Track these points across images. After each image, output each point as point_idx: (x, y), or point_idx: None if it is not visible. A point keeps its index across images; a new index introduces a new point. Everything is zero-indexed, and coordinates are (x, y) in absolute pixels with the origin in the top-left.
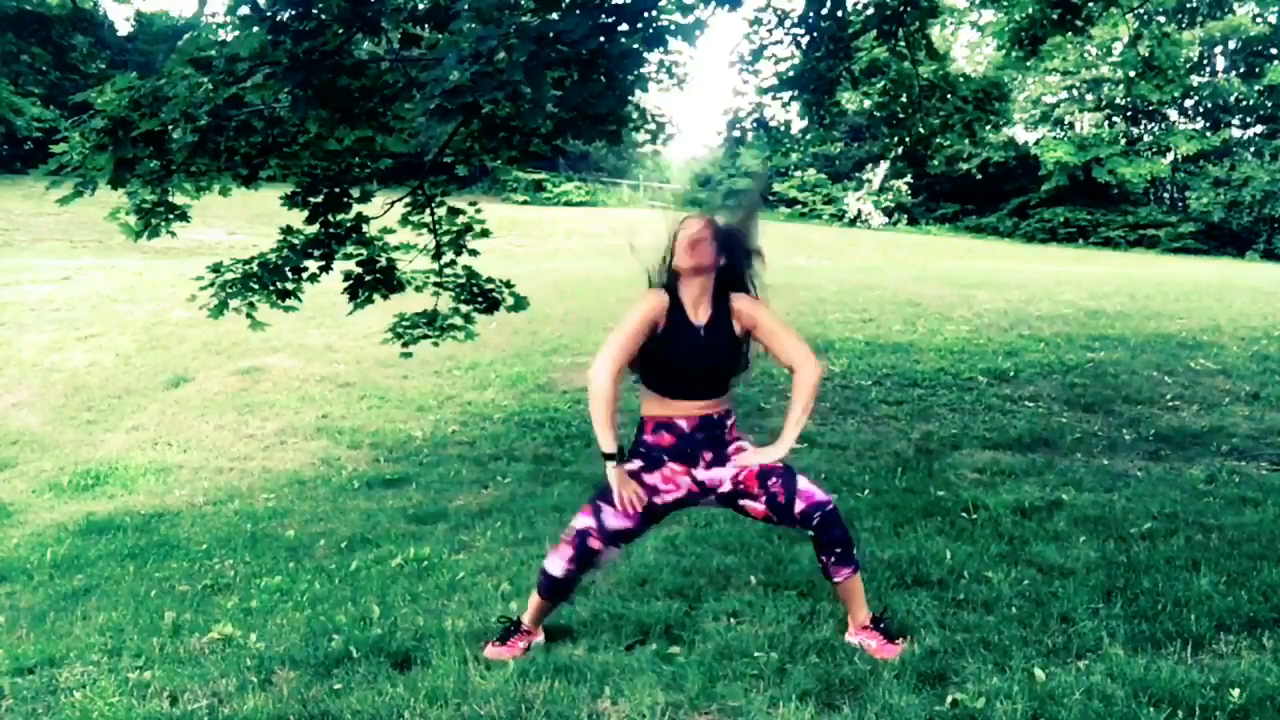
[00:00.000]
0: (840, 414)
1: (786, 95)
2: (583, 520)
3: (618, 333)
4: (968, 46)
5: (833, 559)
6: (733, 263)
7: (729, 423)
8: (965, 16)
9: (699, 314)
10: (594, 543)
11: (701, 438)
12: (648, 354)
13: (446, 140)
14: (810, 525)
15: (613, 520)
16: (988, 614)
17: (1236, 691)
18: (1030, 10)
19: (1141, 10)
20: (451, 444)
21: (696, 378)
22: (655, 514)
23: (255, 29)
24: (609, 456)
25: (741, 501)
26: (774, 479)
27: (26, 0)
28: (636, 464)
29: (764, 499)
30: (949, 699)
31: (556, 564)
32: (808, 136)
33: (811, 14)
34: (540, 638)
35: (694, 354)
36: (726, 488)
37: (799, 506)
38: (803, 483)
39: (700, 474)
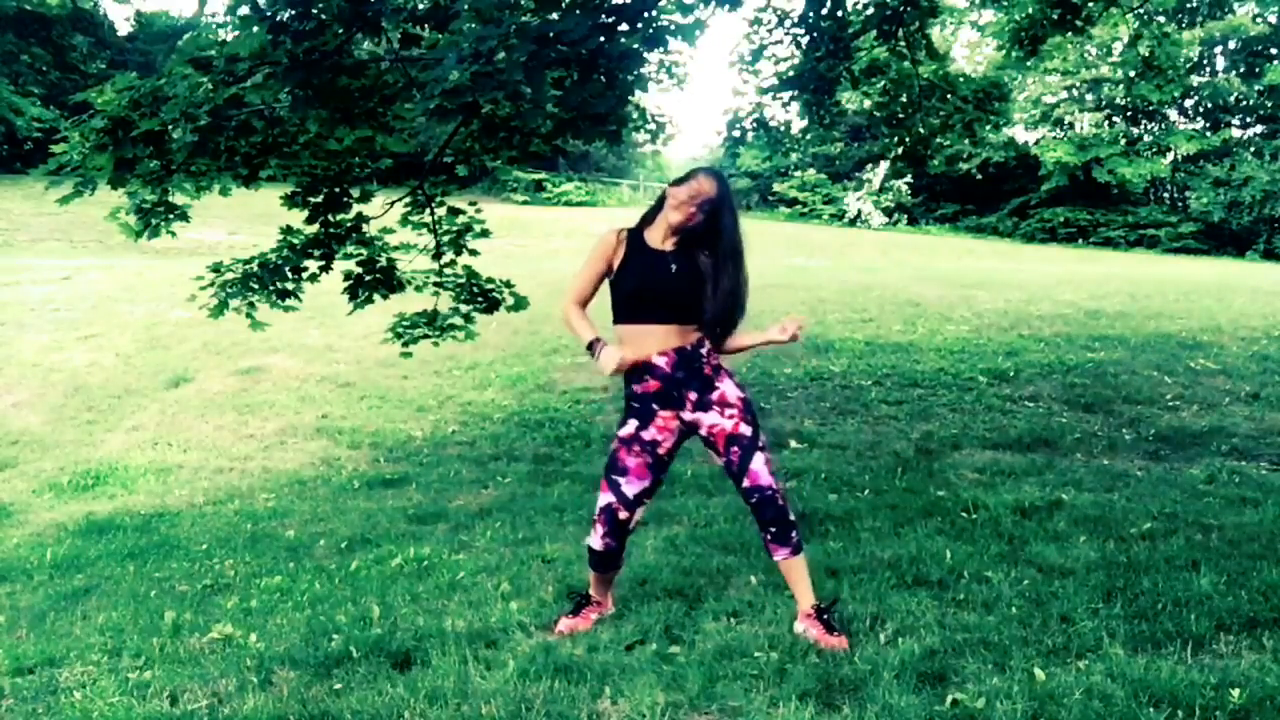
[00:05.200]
0: (840, 414)
1: (786, 95)
2: (605, 498)
3: (577, 274)
4: (968, 46)
5: (768, 537)
6: (710, 230)
7: (704, 351)
8: (965, 16)
9: (663, 244)
10: (621, 514)
11: (683, 375)
12: (615, 285)
13: (446, 140)
14: (749, 503)
15: (630, 488)
16: (988, 614)
17: (1236, 691)
18: (1030, 10)
19: (1141, 10)
20: (451, 444)
21: (664, 300)
22: (663, 463)
23: (255, 29)
24: (591, 344)
25: (709, 450)
26: (736, 448)
27: (26, 0)
28: (633, 424)
29: (723, 460)
30: (949, 699)
31: (595, 539)
32: (808, 136)
33: (811, 14)
34: (611, 609)
35: (658, 273)
36: (703, 432)
37: (744, 483)
38: (757, 462)
39: (687, 416)
